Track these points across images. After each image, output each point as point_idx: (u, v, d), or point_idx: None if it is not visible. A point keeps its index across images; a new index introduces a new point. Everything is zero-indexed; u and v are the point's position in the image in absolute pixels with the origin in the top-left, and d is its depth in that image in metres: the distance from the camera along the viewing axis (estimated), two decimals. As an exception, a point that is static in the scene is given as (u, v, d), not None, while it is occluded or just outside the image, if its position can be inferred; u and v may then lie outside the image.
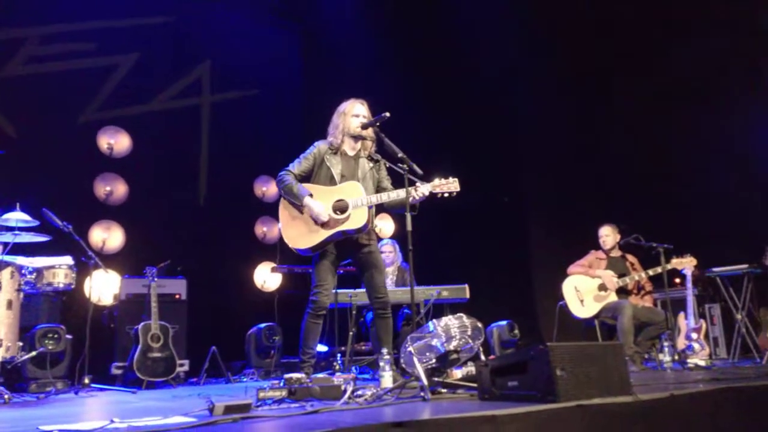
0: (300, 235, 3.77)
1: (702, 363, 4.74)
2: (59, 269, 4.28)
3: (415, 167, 3.67)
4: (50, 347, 4.57)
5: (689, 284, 5.38)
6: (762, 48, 6.16)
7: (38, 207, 4.47)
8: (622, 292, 5.23)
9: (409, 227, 3.52)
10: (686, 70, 6.44)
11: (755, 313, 5.54)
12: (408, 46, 7.54)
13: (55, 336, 4.64)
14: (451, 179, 3.76)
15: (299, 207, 3.78)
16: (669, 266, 5.11)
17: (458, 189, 3.76)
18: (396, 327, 5.58)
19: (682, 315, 5.49)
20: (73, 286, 4.41)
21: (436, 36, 7.57)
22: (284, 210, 3.87)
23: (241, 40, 7.50)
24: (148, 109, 6.80)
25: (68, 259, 4.38)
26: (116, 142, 6.20)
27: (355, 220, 3.72)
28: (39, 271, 4.21)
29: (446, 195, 3.75)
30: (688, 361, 4.78)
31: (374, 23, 7.65)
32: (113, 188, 6.13)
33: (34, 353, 4.34)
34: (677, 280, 5.99)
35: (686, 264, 5.18)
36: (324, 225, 3.72)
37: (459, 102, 7.45)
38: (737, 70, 6.20)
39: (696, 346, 5.26)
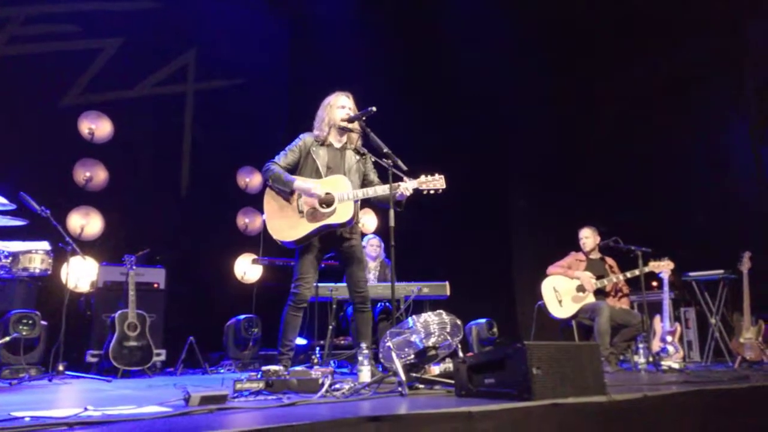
0: (285, 228, 3.76)
1: (676, 365, 4.82)
2: (36, 254, 4.21)
3: (400, 163, 3.67)
4: (24, 333, 4.51)
5: (666, 288, 5.47)
6: (742, 56, 6.26)
7: (15, 190, 4.39)
8: (599, 293, 5.29)
9: (392, 223, 3.52)
10: (667, 77, 6.53)
11: (729, 317, 5.65)
12: (397, 38, 7.53)
13: (30, 322, 4.58)
14: (437, 176, 3.77)
15: (287, 196, 3.77)
16: (646, 269, 5.18)
17: (444, 186, 3.76)
18: (372, 322, 5.58)
19: (657, 318, 5.58)
20: (49, 272, 4.34)
21: (427, 30, 7.57)
22: (269, 202, 3.85)
23: (228, 28, 7.43)
24: (131, 95, 6.71)
25: (45, 245, 4.31)
26: (97, 127, 6.11)
27: (341, 214, 3.71)
28: (15, 256, 4.14)
29: (432, 192, 3.76)
30: (663, 363, 4.86)
31: (364, 14, 7.62)
32: (93, 174, 6.05)
33: (7, 339, 4.28)
34: (654, 284, 6.08)
35: (663, 267, 5.26)
36: (309, 218, 3.71)
37: (446, 99, 7.46)
38: (717, 78, 6.29)
39: (670, 348, 5.35)
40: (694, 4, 6.30)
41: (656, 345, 5.42)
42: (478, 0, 7.54)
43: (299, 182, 3.74)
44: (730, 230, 6.00)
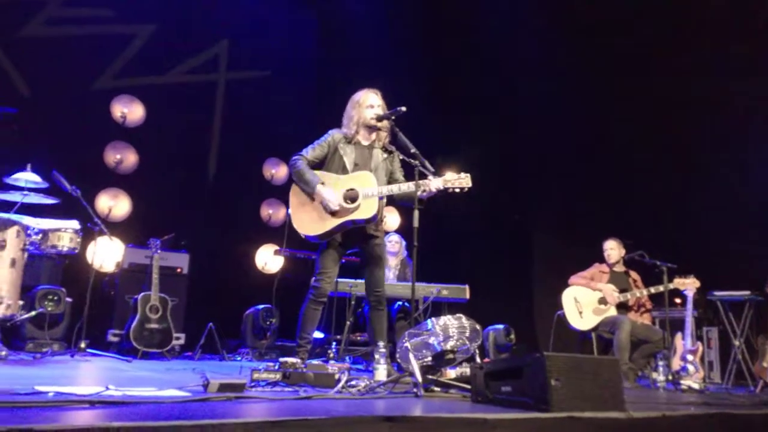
0: (309, 222, 3.77)
1: (695, 385, 4.74)
2: (65, 233, 4.30)
3: (427, 164, 3.66)
4: (50, 308, 4.60)
5: (689, 306, 5.35)
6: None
7: (48, 169, 4.48)
8: (621, 307, 5.22)
9: (416, 223, 3.51)
10: (697, 88, 6.36)
11: (753, 340, 5.52)
12: (425, 32, 7.50)
13: (56, 298, 4.67)
14: (463, 175, 3.72)
15: (310, 193, 3.78)
16: (671, 286, 5.10)
17: (470, 185, 3.71)
18: (389, 320, 5.59)
19: (679, 335, 5.48)
20: (77, 251, 4.43)
21: (454, 26, 7.52)
22: (295, 195, 3.87)
23: (259, 19, 7.46)
24: (163, 81, 6.80)
25: (74, 224, 4.40)
26: (130, 111, 6.21)
27: (365, 209, 3.71)
28: (45, 233, 4.22)
29: (458, 190, 3.72)
30: (682, 382, 4.77)
31: (392, 8, 7.59)
32: (123, 157, 6.15)
33: (33, 313, 4.37)
34: (678, 301, 5.97)
35: (688, 285, 5.16)
36: (334, 213, 3.72)
37: (471, 98, 7.41)
38: (744, 88, 6.10)
39: (691, 368, 5.25)
40: (715, 9, 6.15)
41: (676, 363, 5.32)
42: (509, 4, 7.47)
43: (320, 188, 3.71)
44: (759, 250, 5.86)
